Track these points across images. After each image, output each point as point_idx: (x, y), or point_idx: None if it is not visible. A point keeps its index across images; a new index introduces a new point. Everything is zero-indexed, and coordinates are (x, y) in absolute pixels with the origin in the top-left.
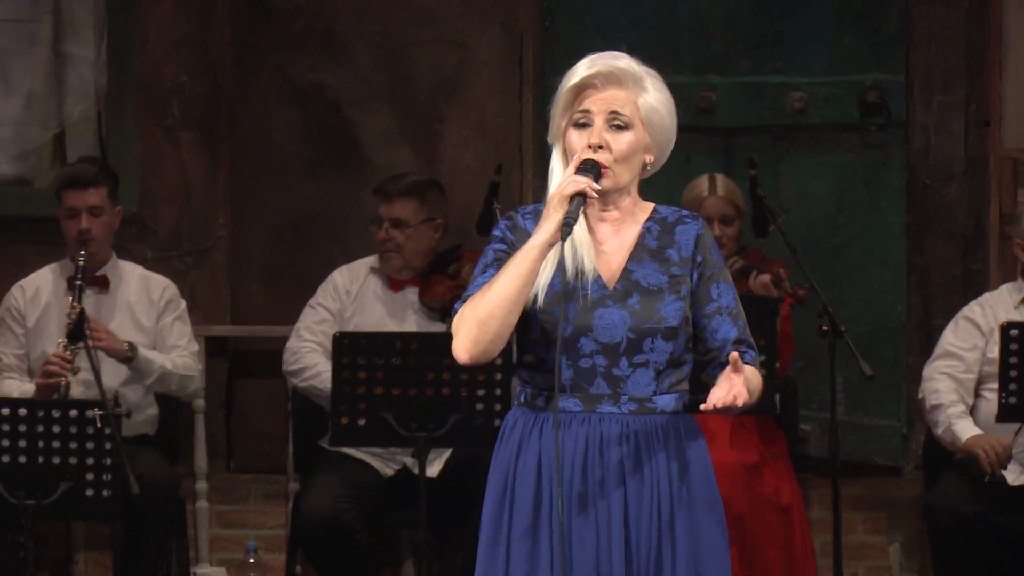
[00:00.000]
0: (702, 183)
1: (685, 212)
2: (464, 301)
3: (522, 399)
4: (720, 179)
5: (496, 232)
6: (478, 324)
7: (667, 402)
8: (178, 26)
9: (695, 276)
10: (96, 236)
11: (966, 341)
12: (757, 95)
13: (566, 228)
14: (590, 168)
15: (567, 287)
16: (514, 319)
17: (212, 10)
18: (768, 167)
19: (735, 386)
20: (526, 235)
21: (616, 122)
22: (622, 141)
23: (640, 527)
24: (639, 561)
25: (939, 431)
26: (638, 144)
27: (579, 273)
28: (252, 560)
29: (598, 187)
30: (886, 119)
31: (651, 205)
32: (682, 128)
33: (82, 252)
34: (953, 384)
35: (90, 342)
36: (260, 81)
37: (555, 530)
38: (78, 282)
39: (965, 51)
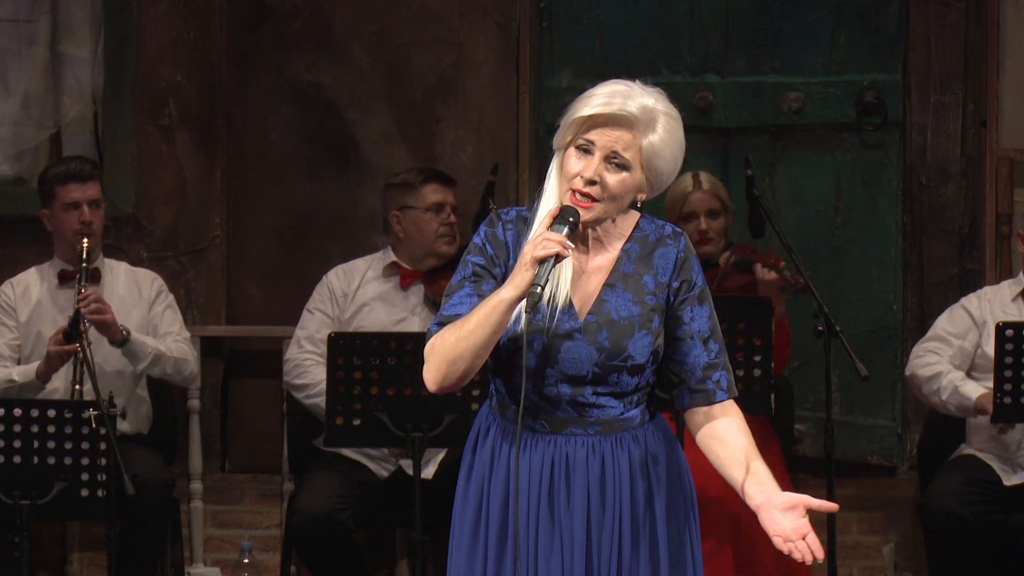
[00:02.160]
0: (685, 180)
1: (668, 230)
2: (439, 324)
3: (494, 403)
4: (703, 175)
5: (476, 240)
6: (447, 363)
7: (633, 416)
8: (175, 25)
9: (671, 300)
10: (96, 229)
11: (958, 328)
12: (754, 95)
13: (532, 298)
14: (568, 217)
15: (537, 314)
16: (482, 362)
17: (209, 9)
18: (765, 167)
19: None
20: (504, 249)
21: (615, 161)
22: (616, 180)
23: (601, 546)
24: (602, 570)
25: (943, 396)
26: (632, 185)
27: (551, 297)
28: (247, 560)
29: (571, 245)
30: (883, 119)
31: (635, 218)
32: None
33: (85, 239)
34: (944, 358)
35: (86, 324)
36: (257, 80)
37: (520, 549)
38: (84, 264)
39: (962, 51)
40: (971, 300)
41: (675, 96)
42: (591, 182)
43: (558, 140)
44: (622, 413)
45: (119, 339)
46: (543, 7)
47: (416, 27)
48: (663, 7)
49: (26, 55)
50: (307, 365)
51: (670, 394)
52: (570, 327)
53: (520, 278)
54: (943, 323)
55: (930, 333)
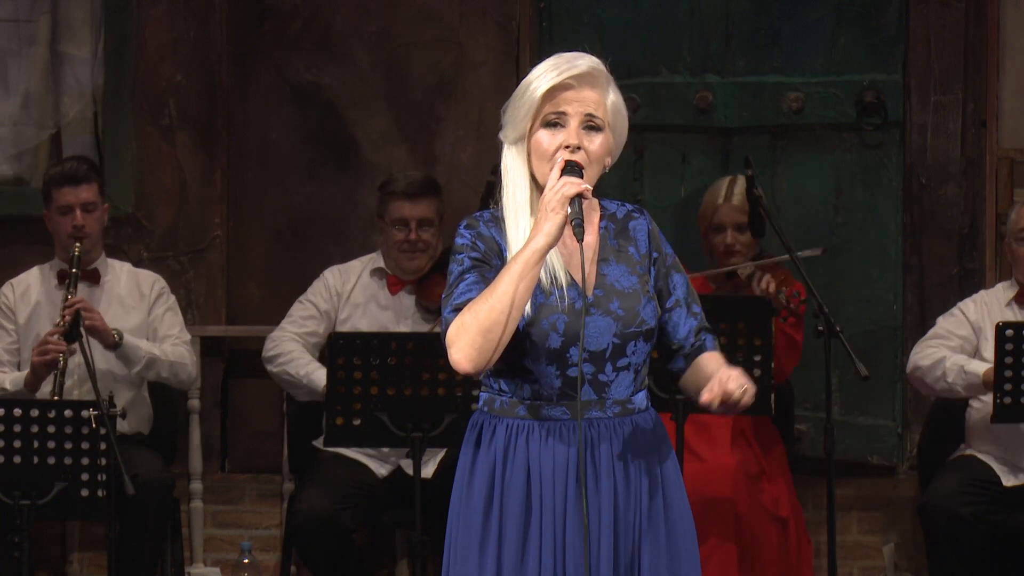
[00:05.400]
0: (719, 190)
1: (630, 206)
2: (454, 311)
3: (497, 406)
4: (738, 185)
5: (463, 241)
6: (482, 332)
7: (640, 400)
8: (175, 25)
9: (652, 272)
10: (89, 232)
11: (957, 330)
12: (754, 95)
13: (578, 229)
14: (574, 169)
15: (550, 296)
16: (515, 325)
17: (209, 9)
18: (765, 167)
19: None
20: (494, 242)
21: (591, 124)
22: (596, 143)
23: (627, 526)
24: (623, 558)
25: (950, 379)
26: (608, 146)
27: (554, 280)
28: (247, 560)
29: (590, 187)
30: (883, 119)
31: (595, 200)
32: (679, 128)
33: (77, 244)
34: (944, 349)
35: (83, 328)
36: (257, 81)
37: (545, 537)
38: (74, 271)
39: (962, 51)
40: (968, 305)
41: (675, 96)
42: (576, 148)
43: (515, 131)
44: (633, 394)
45: (111, 343)
46: (543, 7)
47: (416, 27)
48: (663, 7)
49: (26, 55)
50: (282, 340)
51: (669, 393)
52: (583, 304)
53: (550, 224)
54: (941, 322)
55: (930, 333)
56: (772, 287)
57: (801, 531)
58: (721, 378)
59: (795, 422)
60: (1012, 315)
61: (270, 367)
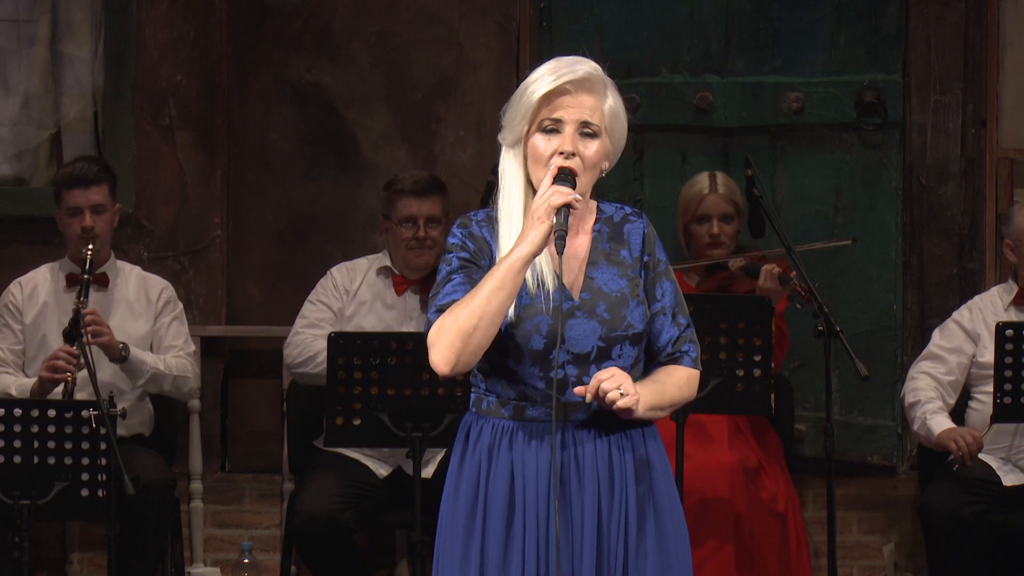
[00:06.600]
0: (702, 180)
1: (628, 209)
2: (437, 311)
3: (483, 407)
4: (720, 177)
5: (454, 240)
6: (461, 336)
7: None
8: (175, 25)
9: (643, 275)
10: (99, 234)
11: (951, 343)
12: (754, 95)
13: (560, 241)
14: (567, 177)
15: (535, 298)
16: (495, 331)
17: (209, 9)
18: (765, 167)
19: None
20: (484, 243)
21: (586, 130)
22: (592, 149)
23: (611, 527)
24: (609, 561)
25: (915, 427)
26: (604, 152)
27: (540, 283)
28: (247, 560)
29: (579, 197)
30: (883, 119)
31: (594, 203)
32: (679, 128)
33: (90, 247)
34: (933, 383)
35: (87, 339)
36: (257, 80)
37: (528, 538)
38: (85, 276)
39: (962, 51)
40: (963, 313)
41: (675, 96)
42: (570, 155)
43: (512, 135)
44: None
45: (117, 357)
46: (543, 7)
47: (416, 27)
48: (663, 7)
49: (26, 55)
50: (309, 341)
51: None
52: (569, 306)
53: (535, 232)
54: (936, 338)
55: (925, 352)
56: (776, 271)
57: (799, 524)
58: (600, 375)
59: (795, 422)
60: (1010, 318)
61: (306, 370)
